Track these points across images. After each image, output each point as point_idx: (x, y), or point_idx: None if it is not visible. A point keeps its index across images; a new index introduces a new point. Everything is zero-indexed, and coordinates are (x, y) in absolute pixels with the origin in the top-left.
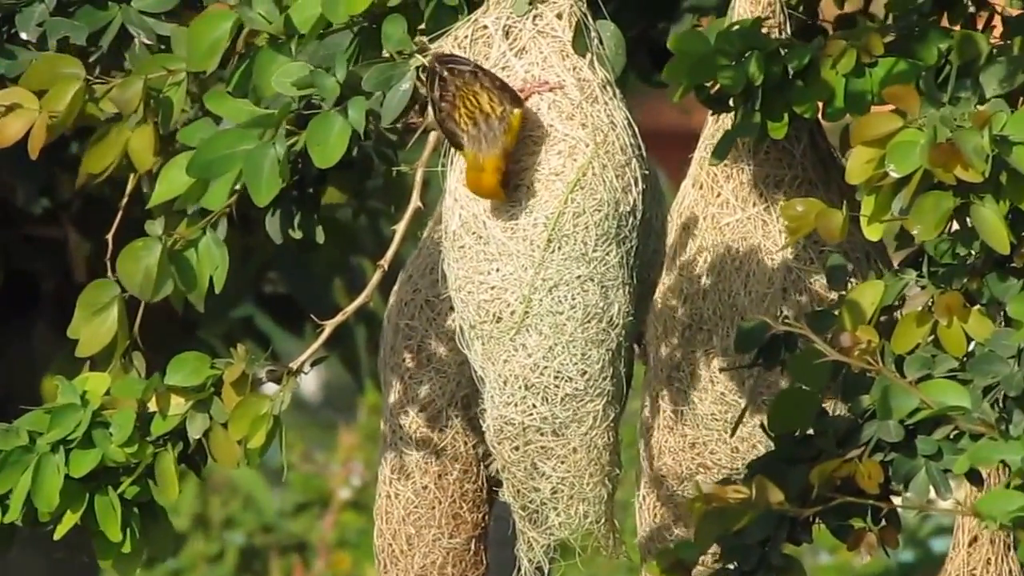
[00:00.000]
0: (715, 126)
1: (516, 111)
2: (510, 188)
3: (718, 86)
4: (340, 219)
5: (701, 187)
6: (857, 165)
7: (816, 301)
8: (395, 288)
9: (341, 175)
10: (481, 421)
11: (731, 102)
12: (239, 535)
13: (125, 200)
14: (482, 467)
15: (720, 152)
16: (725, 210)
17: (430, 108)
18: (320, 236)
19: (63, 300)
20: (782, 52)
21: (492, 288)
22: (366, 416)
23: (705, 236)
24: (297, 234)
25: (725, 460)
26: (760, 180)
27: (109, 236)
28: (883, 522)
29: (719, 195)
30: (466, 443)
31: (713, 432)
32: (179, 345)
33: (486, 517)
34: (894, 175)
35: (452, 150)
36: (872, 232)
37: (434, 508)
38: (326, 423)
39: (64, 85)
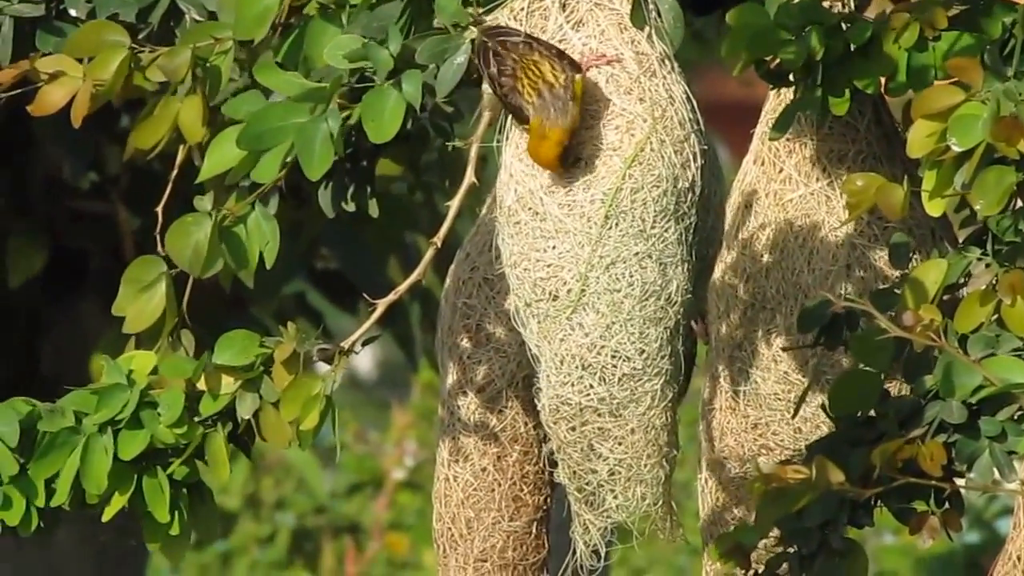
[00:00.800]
0: (777, 101)
1: (578, 77)
2: (568, 163)
3: (778, 61)
4: (395, 193)
5: (763, 163)
6: (918, 139)
7: (880, 278)
8: (452, 266)
9: (396, 148)
10: (537, 401)
11: (791, 77)
12: (291, 516)
13: (175, 173)
14: (543, 448)
15: (781, 127)
16: (787, 186)
17: (488, 85)
18: (374, 210)
19: (111, 276)
20: (844, 26)
21: (548, 266)
22: (420, 395)
23: (767, 213)
24: (350, 207)
25: (788, 441)
26: (823, 155)
27: (159, 209)
28: (946, 505)
29: (781, 171)
30: (526, 424)
31: (776, 412)
32: (229, 322)
33: (547, 500)
34: (956, 149)
35: (509, 125)
36: (933, 207)
37: (493, 491)
38: (379, 402)
39: (109, 53)
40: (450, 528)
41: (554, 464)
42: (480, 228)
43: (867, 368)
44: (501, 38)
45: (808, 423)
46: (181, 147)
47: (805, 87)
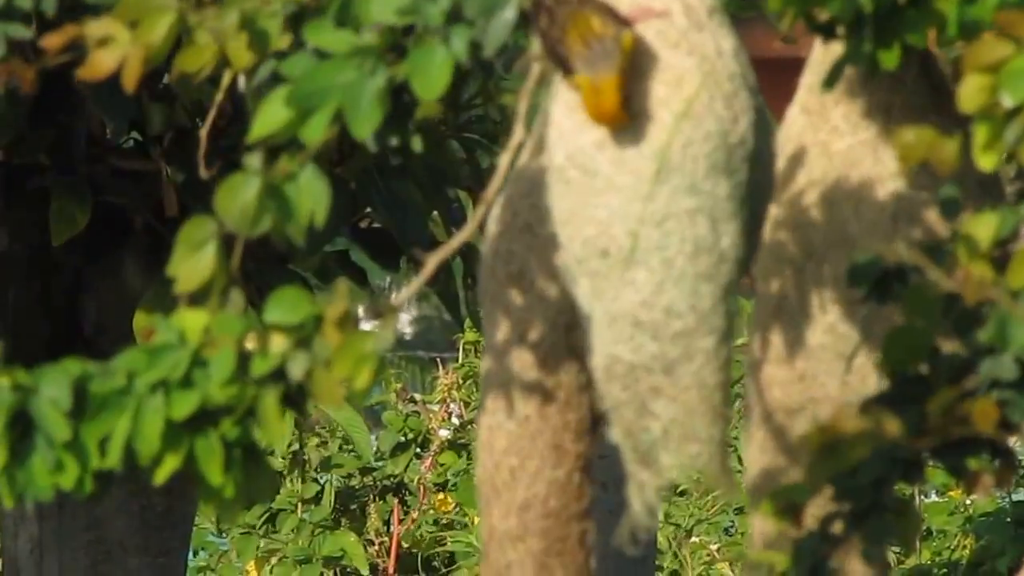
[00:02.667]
0: (824, 51)
1: (627, 32)
2: (631, 111)
3: (827, 14)
4: (441, 142)
5: (810, 113)
6: (970, 93)
7: (927, 229)
8: (492, 214)
9: None
10: (588, 360)
11: (840, 30)
12: (336, 476)
13: (220, 96)
14: (584, 397)
15: (830, 80)
16: (835, 136)
17: (537, 40)
18: (418, 144)
19: (154, 235)
20: None
21: (599, 223)
22: (464, 353)
23: (814, 163)
24: (394, 141)
25: (835, 392)
26: (872, 106)
27: (203, 132)
28: (998, 462)
29: (828, 121)
30: (568, 372)
31: (822, 364)
32: (271, 278)
33: (589, 448)
34: (1007, 103)
35: (558, 80)
36: (985, 161)
37: (536, 439)
38: (423, 361)
39: (157, 16)
40: (492, 477)
41: (601, 414)
42: (520, 173)
43: (918, 323)
44: None
45: (855, 374)
46: (226, 72)
47: (854, 40)
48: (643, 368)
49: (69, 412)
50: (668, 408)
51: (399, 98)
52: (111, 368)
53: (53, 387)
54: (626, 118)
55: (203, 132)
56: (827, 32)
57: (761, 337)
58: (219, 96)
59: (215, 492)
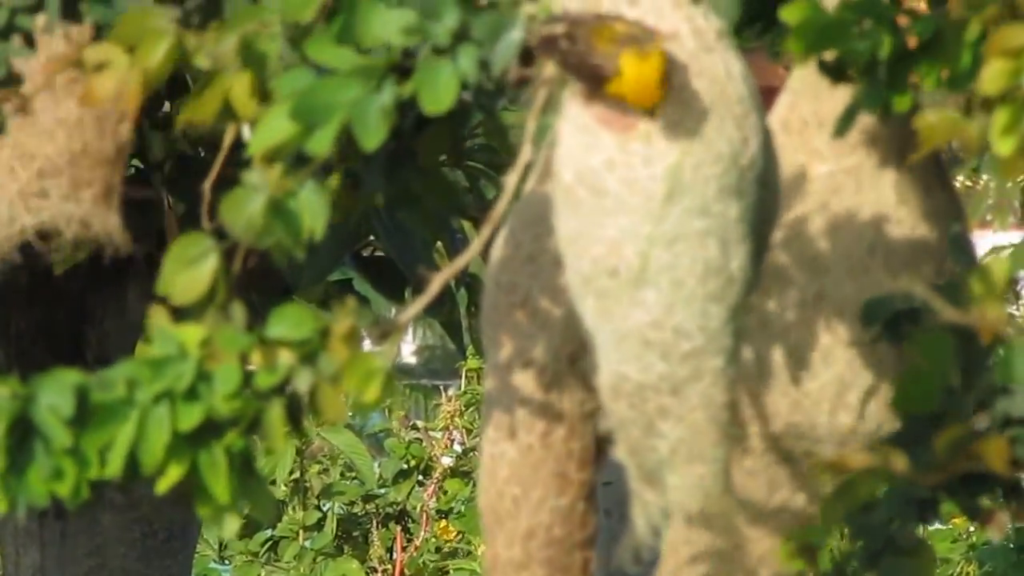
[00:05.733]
0: (807, 74)
1: (657, 35)
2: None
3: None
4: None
5: (789, 132)
6: (992, 76)
7: (905, 263)
8: (495, 243)
9: (438, 125)
10: (594, 378)
11: (850, 73)
12: (338, 504)
13: (224, 152)
14: (588, 426)
15: (842, 128)
16: (815, 160)
17: (554, 65)
18: (419, 186)
19: (156, 263)
20: (905, 22)
21: (609, 242)
22: (467, 381)
23: (791, 184)
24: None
25: (784, 414)
26: (855, 132)
27: (206, 186)
28: (1013, 502)
29: (809, 143)
30: (571, 401)
31: (778, 384)
32: (273, 307)
33: (593, 478)
34: None
35: (566, 100)
36: (1004, 146)
37: (539, 468)
38: (426, 389)
39: (155, 40)
40: (495, 506)
41: (604, 441)
42: (523, 204)
43: (930, 366)
44: (569, 20)
45: (808, 398)
46: (230, 124)
47: (869, 84)
48: (651, 388)
49: (70, 420)
50: (675, 428)
51: (400, 143)
52: (110, 378)
53: (54, 394)
54: (663, 97)
55: (206, 185)
56: (837, 74)
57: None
58: (222, 153)
59: (213, 500)
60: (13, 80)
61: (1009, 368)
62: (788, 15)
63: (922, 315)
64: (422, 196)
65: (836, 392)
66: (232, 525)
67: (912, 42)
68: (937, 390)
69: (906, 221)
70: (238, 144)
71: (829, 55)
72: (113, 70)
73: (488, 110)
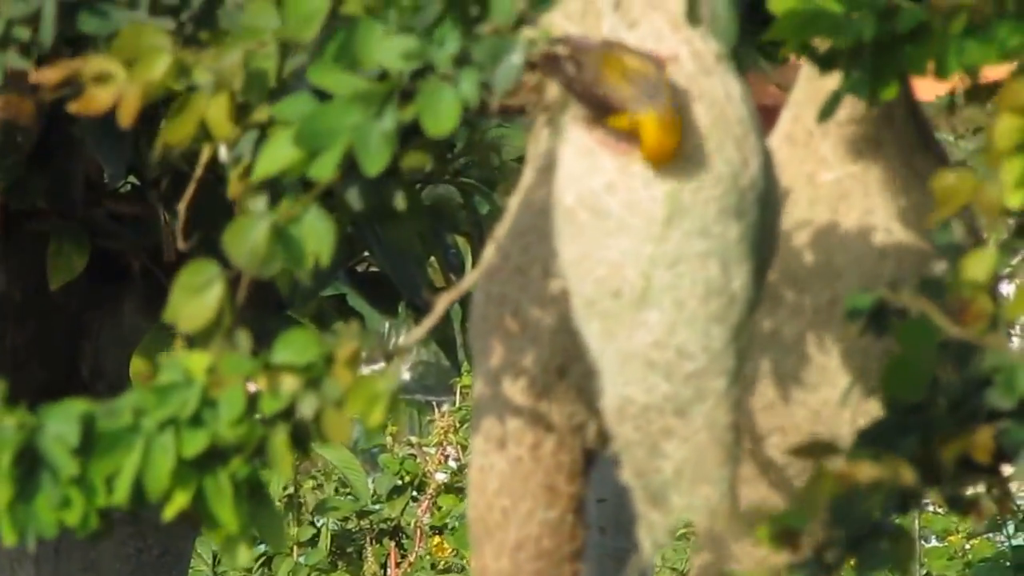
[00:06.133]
0: (808, 84)
1: (665, 70)
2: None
3: (827, 45)
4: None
5: (795, 144)
6: (1004, 131)
7: (917, 266)
8: (483, 255)
9: (421, 140)
10: (597, 401)
11: (838, 62)
12: (333, 519)
13: (200, 171)
14: (578, 439)
15: (827, 111)
16: (822, 167)
17: (560, 88)
18: (401, 202)
19: (151, 278)
20: (891, 11)
21: (611, 264)
22: (461, 397)
23: (800, 193)
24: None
25: (805, 424)
26: (860, 140)
27: (181, 207)
28: (995, 491)
29: (815, 152)
30: (561, 413)
31: (794, 394)
32: (268, 324)
33: (582, 490)
34: None
35: (567, 123)
36: (1015, 199)
37: (528, 480)
38: (420, 405)
39: (154, 54)
40: (484, 518)
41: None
42: (511, 215)
43: (916, 355)
44: (574, 44)
45: (828, 406)
46: (207, 145)
47: (853, 72)
48: (655, 409)
49: (76, 449)
50: (680, 449)
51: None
52: (117, 407)
53: (60, 423)
54: (672, 158)
55: (182, 206)
56: (825, 63)
57: None
58: (198, 172)
59: (221, 528)
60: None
61: (1012, 386)
62: (775, 4)
63: (907, 309)
64: (403, 213)
65: (855, 399)
66: (244, 555)
67: (898, 31)
68: (923, 379)
69: (916, 226)
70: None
71: (817, 44)
72: (112, 82)
73: (475, 126)
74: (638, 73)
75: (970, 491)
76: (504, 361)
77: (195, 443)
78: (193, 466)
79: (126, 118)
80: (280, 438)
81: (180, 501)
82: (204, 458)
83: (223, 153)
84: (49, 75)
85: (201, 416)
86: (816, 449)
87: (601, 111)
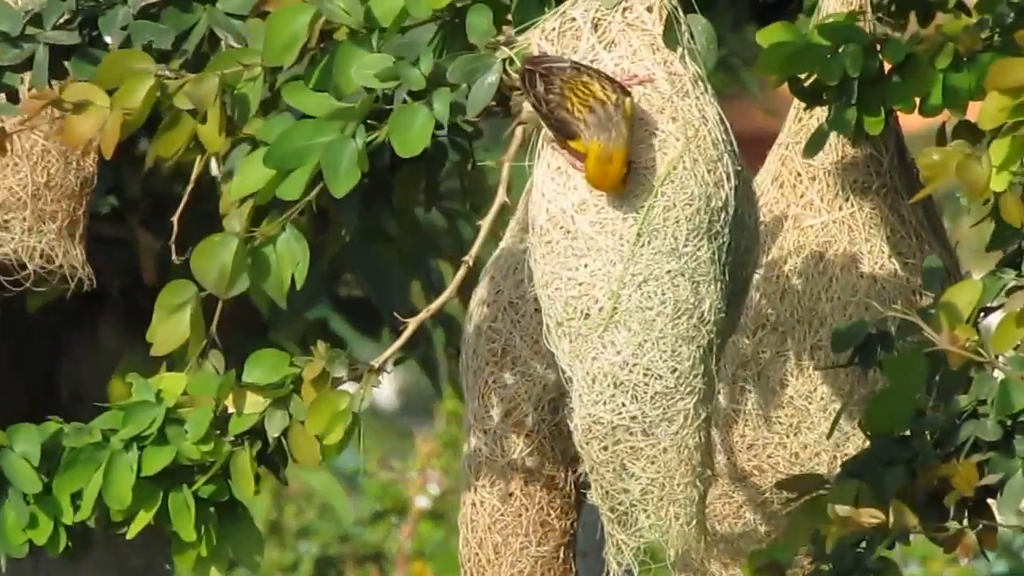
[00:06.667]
0: (797, 124)
1: (627, 99)
2: (630, 181)
3: (812, 79)
4: (416, 216)
5: (782, 185)
6: (990, 111)
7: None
8: (476, 290)
9: (413, 166)
10: (569, 421)
11: (824, 96)
12: (315, 545)
13: (191, 185)
14: (570, 472)
15: (812, 147)
16: (809, 211)
17: (529, 104)
18: (392, 226)
19: (131, 300)
20: (877, 46)
21: (580, 284)
22: (444, 423)
23: (786, 236)
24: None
25: (783, 465)
26: (848, 184)
27: (174, 219)
28: (980, 525)
29: (803, 195)
30: (553, 448)
31: (774, 435)
32: (251, 348)
33: (574, 524)
34: None
35: (540, 144)
36: (998, 182)
37: (521, 516)
38: (403, 430)
39: (136, 82)
40: (477, 553)
41: (585, 486)
42: (504, 251)
43: (901, 388)
44: (547, 64)
45: (807, 449)
46: (199, 158)
47: (839, 106)
48: (623, 429)
49: (40, 467)
50: (647, 469)
51: (375, 180)
52: (89, 426)
53: (25, 443)
54: (623, 189)
55: (174, 218)
56: (811, 98)
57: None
58: (190, 185)
59: (188, 549)
60: None
61: (1007, 401)
62: (763, 38)
63: (893, 340)
64: (396, 235)
65: (835, 443)
66: (209, 574)
67: (886, 67)
68: (908, 412)
69: (901, 272)
70: (213, 181)
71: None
72: (93, 110)
73: (464, 152)
74: (599, 102)
75: (954, 525)
76: (496, 397)
77: (157, 460)
78: (156, 483)
79: (108, 148)
80: (244, 458)
81: (143, 519)
82: (168, 476)
83: (214, 167)
84: (32, 104)
85: (166, 435)
86: (802, 483)
87: (561, 133)
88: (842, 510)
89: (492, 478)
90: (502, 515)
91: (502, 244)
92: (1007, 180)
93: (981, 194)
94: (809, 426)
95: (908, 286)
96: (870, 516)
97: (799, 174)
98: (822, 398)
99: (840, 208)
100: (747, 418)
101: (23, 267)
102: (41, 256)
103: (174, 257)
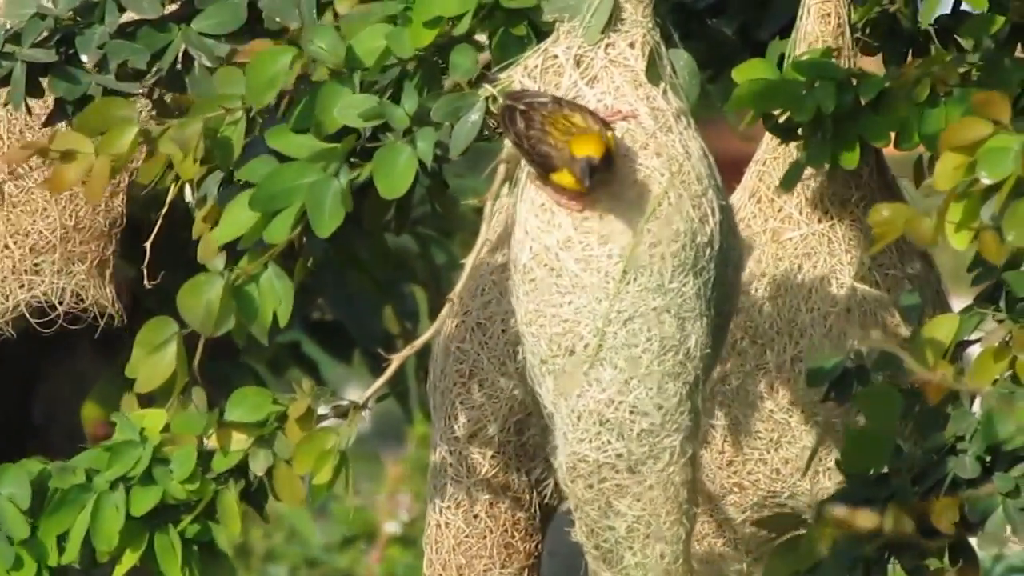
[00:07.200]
0: (774, 141)
1: (610, 134)
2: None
3: (787, 115)
4: (389, 243)
5: (760, 201)
6: (946, 170)
7: (880, 324)
8: (444, 310)
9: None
10: (552, 459)
11: (799, 131)
12: (282, 569)
13: (165, 208)
14: (535, 495)
15: (788, 182)
16: (788, 225)
17: (510, 142)
18: (363, 251)
19: (105, 327)
20: (853, 81)
21: (565, 321)
22: (414, 447)
23: (764, 249)
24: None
25: (764, 482)
26: (826, 197)
27: (147, 245)
28: (960, 561)
29: (781, 209)
30: (519, 470)
31: (755, 451)
32: (222, 369)
33: (539, 546)
34: (985, 181)
35: (524, 181)
36: (959, 240)
37: (485, 537)
38: (372, 454)
39: (119, 129)
40: (441, 574)
41: (551, 511)
42: (472, 273)
43: (878, 425)
44: (528, 100)
45: (788, 464)
46: (173, 184)
47: (813, 142)
48: (608, 467)
49: (28, 509)
50: (633, 507)
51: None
52: (72, 466)
53: (13, 485)
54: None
55: (147, 243)
56: (786, 133)
57: None
58: (164, 209)
59: None
60: None
61: (991, 430)
62: (739, 74)
63: (869, 374)
64: (365, 259)
65: (817, 457)
66: None
67: (860, 102)
68: (886, 448)
69: (882, 283)
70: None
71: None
72: (80, 158)
73: (434, 175)
74: (581, 129)
75: (934, 562)
76: (463, 417)
77: (146, 501)
78: (143, 524)
79: (95, 194)
80: (230, 496)
81: (130, 560)
82: (155, 516)
83: (188, 194)
84: (16, 155)
85: (152, 474)
86: (780, 522)
87: (544, 168)
88: (839, 511)
89: (457, 498)
90: (467, 536)
91: (470, 265)
92: (968, 238)
93: (930, 244)
94: (790, 440)
95: (888, 298)
96: (867, 519)
97: (776, 189)
98: (803, 410)
99: (819, 221)
100: (726, 434)
101: (53, 308)
102: (72, 296)
103: (146, 282)
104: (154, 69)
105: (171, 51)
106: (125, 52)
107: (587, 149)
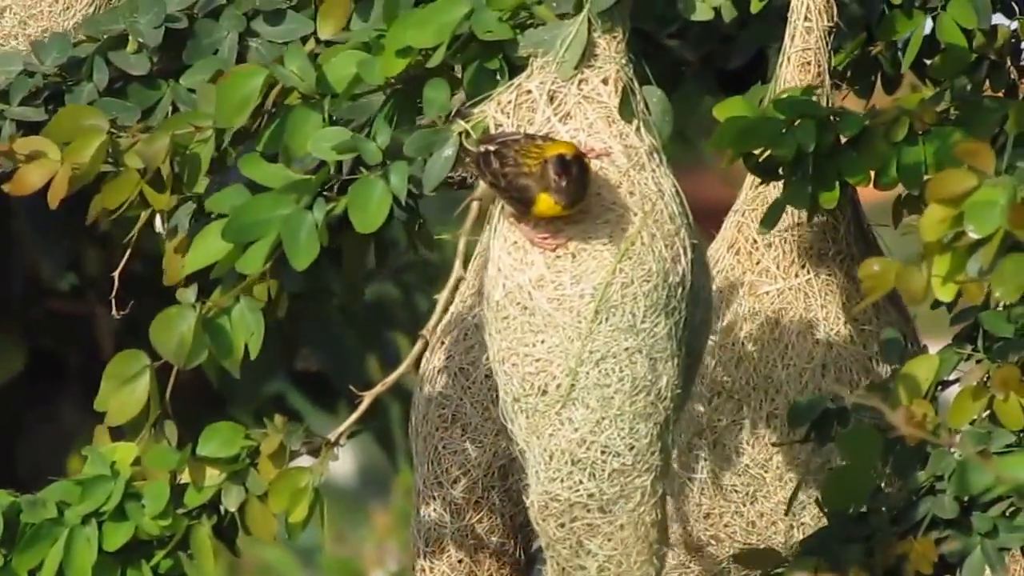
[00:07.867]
0: (753, 191)
1: (587, 160)
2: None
3: (767, 154)
4: (372, 291)
5: (738, 252)
6: (931, 223)
7: (854, 380)
8: (426, 356)
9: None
10: (524, 497)
11: (780, 171)
12: None
13: (135, 235)
14: (519, 540)
15: (769, 222)
16: (765, 278)
17: (484, 183)
18: (338, 288)
19: (90, 377)
20: (833, 120)
21: (537, 360)
22: (401, 496)
23: (741, 303)
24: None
25: (740, 534)
26: (804, 251)
27: (115, 274)
28: None
29: (759, 262)
30: (503, 515)
31: (731, 504)
32: (208, 421)
33: None
34: (973, 236)
35: (497, 218)
36: (945, 293)
37: None
38: (359, 503)
39: (87, 137)
40: None
41: (535, 555)
42: (455, 318)
43: (857, 465)
44: (500, 140)
45: (764, 518)
46: (143, 213)
47: (794, 181)
48: (580, 506)
49: (0, 542)
50: (604, 546)
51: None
52: (42, 499)
53: None
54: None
55: (115, 274)
56: (766, 172)
57: None
58: (133, 235)
59: None
60: None
61: (964, 481)
62: (719, 112)
63: (850, 416)
64: (343, 299)
65: (792, 512)
66: None
67: (840, 140)
68: (865, 489)
69: (857, 339)
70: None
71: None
72: (44, 161)
73: (411, 210)
74: (552, 144)
75: None
76: (446, 463)
77: (118, 536)
78: (116, 559)
79: (55, 199)
80: (203, 532)
81: None
82: (127, 551)
83: (158, 224)
84: None
85: (125, 509)
86: (760, 558)
87: (523, 203)
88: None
89: (441, 544)
90: None
91: (452, 310)
92: (953, 291)
93: (921, 301)
94: (765, 494)
95: (864, 353)
96: None
97: (755, 241)
98: (778, 467)
99: (796, 275)
100: (703, 486)
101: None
102: None
103: (114, 312)
104: (145, 127)
105: (161, 108)
106: (116, 109)
107: (559, 149)
